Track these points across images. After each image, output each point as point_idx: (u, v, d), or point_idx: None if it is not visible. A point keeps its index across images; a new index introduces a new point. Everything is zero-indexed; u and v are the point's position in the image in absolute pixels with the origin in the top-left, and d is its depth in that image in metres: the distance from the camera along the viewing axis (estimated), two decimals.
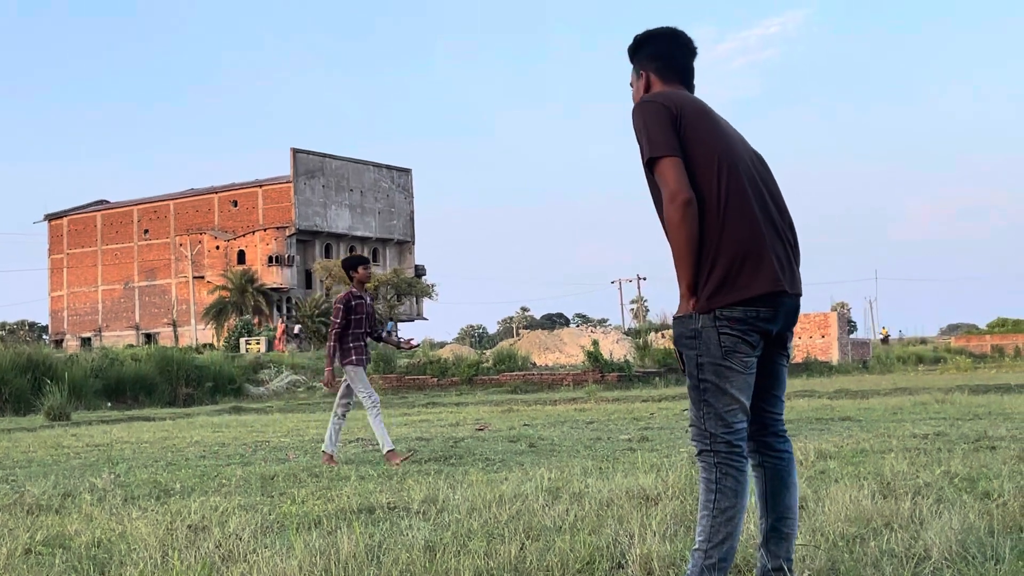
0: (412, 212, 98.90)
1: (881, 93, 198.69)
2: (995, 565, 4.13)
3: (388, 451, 9.90)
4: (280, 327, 63.59)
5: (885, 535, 4.83)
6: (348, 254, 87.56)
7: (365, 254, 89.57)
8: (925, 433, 10.63)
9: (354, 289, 10.41)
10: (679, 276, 3.66)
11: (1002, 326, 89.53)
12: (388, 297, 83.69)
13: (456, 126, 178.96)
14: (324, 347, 59.25)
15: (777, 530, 3.87)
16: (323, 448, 10.13)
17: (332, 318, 10.26)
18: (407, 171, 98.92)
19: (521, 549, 4.76)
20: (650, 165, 3.68)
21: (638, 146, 3.76)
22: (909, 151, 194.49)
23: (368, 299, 10.52)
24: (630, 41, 4.09)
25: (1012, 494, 5.87)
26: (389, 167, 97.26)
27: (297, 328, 69.14)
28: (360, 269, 10.47)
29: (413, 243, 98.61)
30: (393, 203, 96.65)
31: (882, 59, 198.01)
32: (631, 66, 4.10)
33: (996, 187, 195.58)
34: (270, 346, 56.00)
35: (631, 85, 4.11)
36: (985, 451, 8.64)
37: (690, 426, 3.76)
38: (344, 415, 10.40)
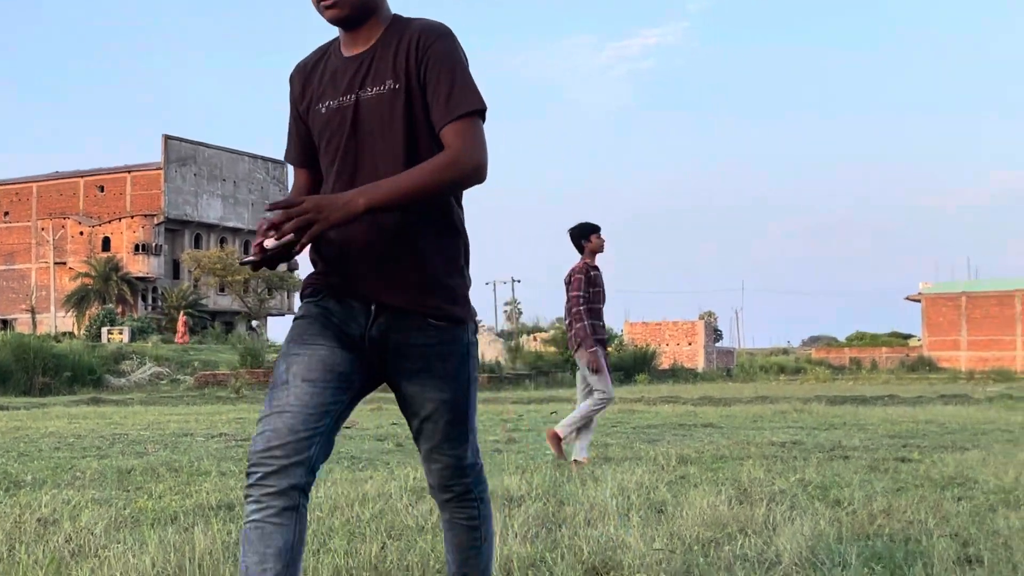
0: None
1: (754, 107, 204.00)
2: (842, 571, 4.27)
3: (576, 459, 8.75)
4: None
5: (739, 540, 4.95)
6: (219, 246, 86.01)
7: (236, 246, 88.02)
8: (783, 441, 10.94)
9: (588, 260, 8.94)
10: (386, 193, 2.71)
11: (860, 339, 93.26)
12: (259, 291, 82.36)
13: None
14: (184, 339, 57.96)
15: None
16: (574, 458, 8.81)
17: (572, 291, 8.79)
18: (282, 163, 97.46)
19: (382, 548, 4.73)
20: (471, 115, 2.82)
21: (440, 74, 2.84)
22: (779, 165, 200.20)
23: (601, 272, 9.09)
24: None
25: (861, 503, 6.08)
26: (264, 158, 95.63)
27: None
28: (593, 237, 8.91)
29: None
30: (267, 195, 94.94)
31: (757, 74, 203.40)
32: None
33: (862, 204, 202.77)
34: (134, 336, 54.43)
35: None
36: (839, 460, 8.94)
37: (457, 449, 3.07)
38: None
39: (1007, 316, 74.68)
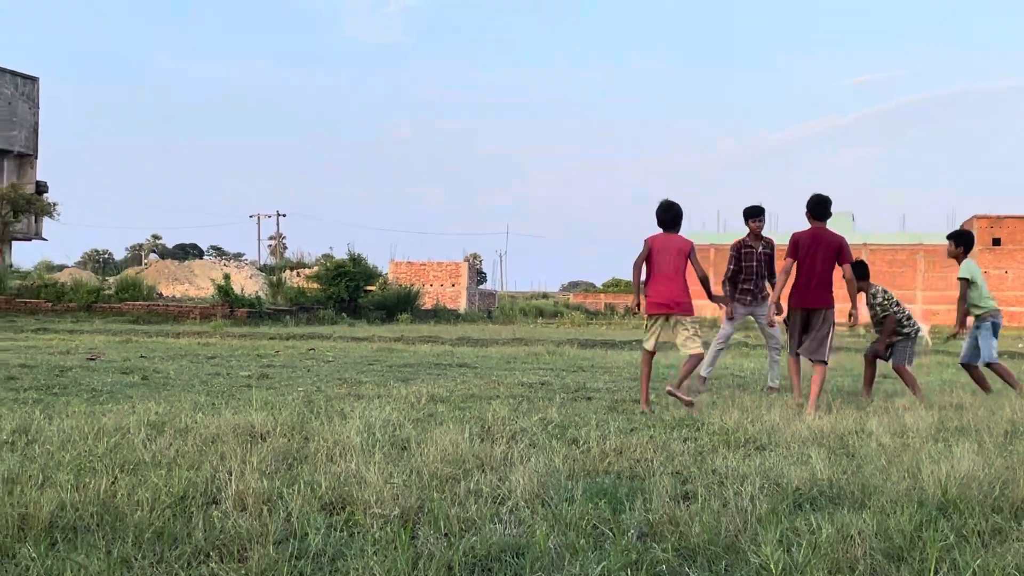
0: (37, 124, 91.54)
1: (524, 52, 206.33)
2: (568, 505, 4.47)
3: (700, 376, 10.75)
4: None
5: (476, 476, 5.10)
6: None
7: None
8: (531, 382, 11.27)
9: (747, 238, 11.06)
10: None
11: (616, 286, 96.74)
12: (3, 213, 77.39)
13: (100, 40, 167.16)
14: None
15: None
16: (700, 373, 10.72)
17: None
18: (34, 79, 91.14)
19: (113, 483, 4.61)
20: None
21: None
22: (550, 111, 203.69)
23: (760, 248, 11.09)
24: None
25: (596, 441, 6.36)
26: (13, 73, 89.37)
27: None
28: (751, 222, 10.90)
29: (36, 157, 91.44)
30: (15, 112, 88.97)
31: (528, 18, 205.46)
32: None
33: (627, 152, 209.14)
34: None
35: None
36: (582, 401, 9.29)
37: None
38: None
39: None
